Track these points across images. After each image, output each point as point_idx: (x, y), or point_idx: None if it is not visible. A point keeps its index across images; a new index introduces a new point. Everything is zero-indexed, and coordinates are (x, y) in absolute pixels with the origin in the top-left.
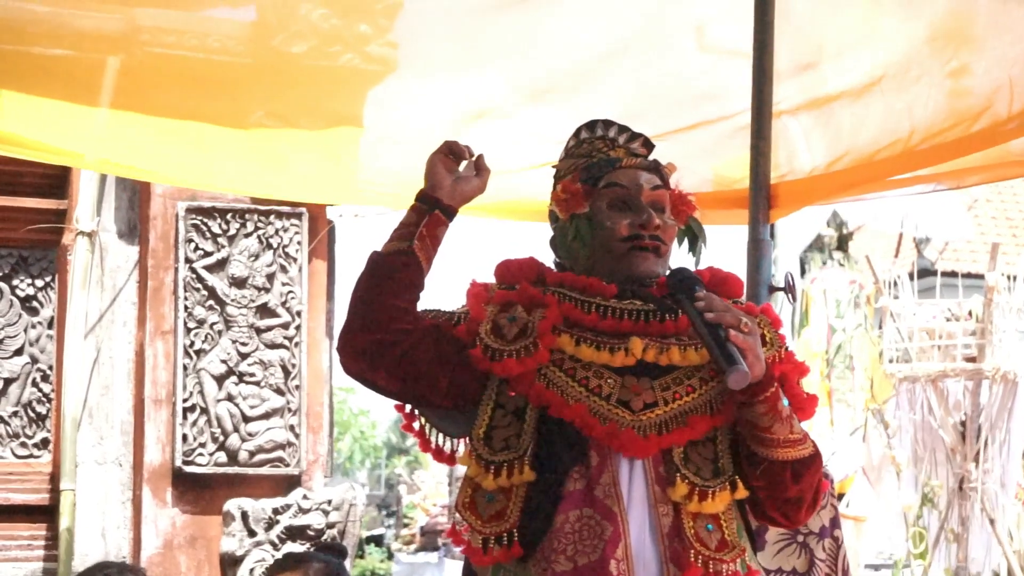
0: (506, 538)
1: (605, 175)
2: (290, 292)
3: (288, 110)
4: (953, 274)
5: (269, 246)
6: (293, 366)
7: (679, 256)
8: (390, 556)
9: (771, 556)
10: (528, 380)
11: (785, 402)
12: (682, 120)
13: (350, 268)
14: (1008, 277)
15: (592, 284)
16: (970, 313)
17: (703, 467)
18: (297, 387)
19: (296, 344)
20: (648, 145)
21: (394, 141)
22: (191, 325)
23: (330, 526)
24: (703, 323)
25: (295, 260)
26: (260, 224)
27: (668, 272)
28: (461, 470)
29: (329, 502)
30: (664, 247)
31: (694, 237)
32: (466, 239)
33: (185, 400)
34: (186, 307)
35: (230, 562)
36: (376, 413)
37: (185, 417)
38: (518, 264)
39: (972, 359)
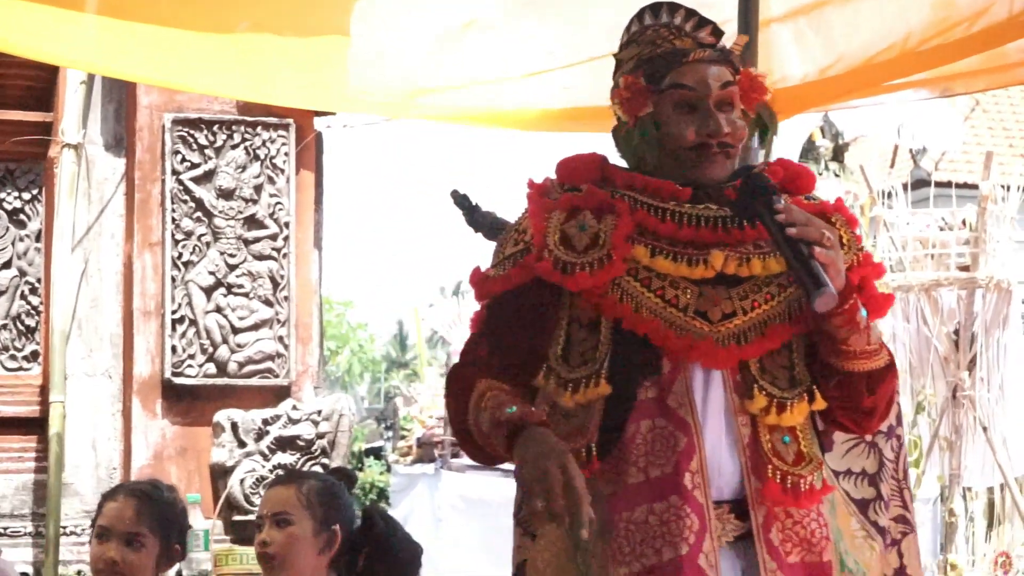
0: (584, 452)
1: (671, 72)
2: (278, 203)
3: (274, 21)
4: (948, 184)
5: (256, 157)
6: (282, 277)
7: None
8: (389, 469)
9: (840, 456)
10: (601, 291)
11: (863, 312)
12: None
13: (338, 178)
14: (1003, 187)
15: (665, 187)
16: (964, 222)
17: (779, 376)
18: (286, 298)
19: (284, 255)
20: (717, 33)
21: (382, 52)
22: (179, 237)
23: (320, 436)
24: (785, 240)
25: (282, 171)
26: (247, 135)
27: (742, 179)
28: None
29: (319, 412)
30: (734, 150)
31: (764, 127)
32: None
33: (174, 312)
34: (174, 219)
35: (220, 473)
36: (374, 326)
37: (174, 329)
38: (581, 161)
39: (966, 268)
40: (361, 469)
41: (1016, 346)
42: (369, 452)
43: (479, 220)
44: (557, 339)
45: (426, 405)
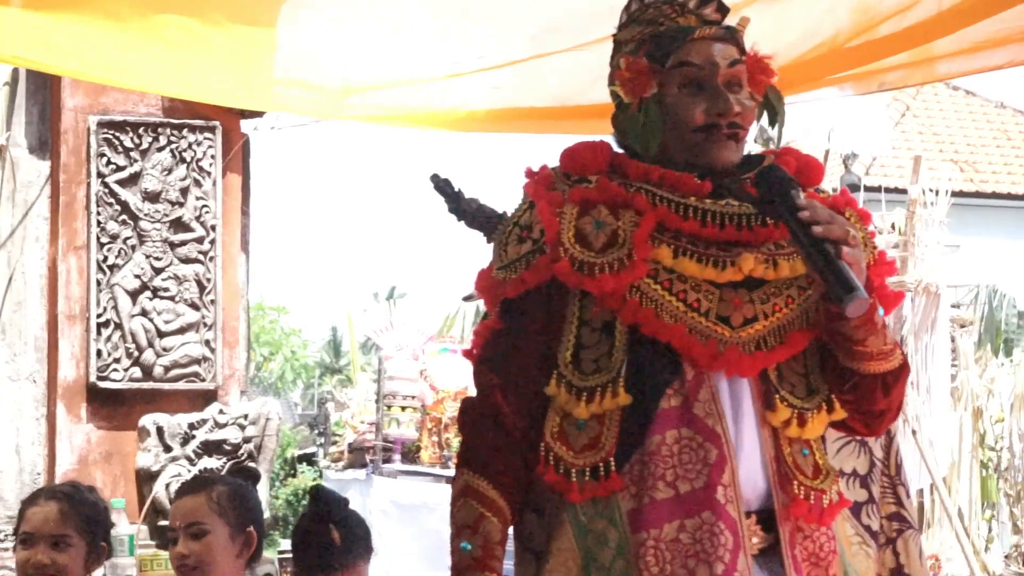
0: (603, 469)
1: (675, 50)
2: (204, 206)
3: (202, 14)
4: (878, 189)
5: (183, 160)
6: (208, 280)
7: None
8: (321, 475)
9: (831, 456)
10: (620, 295)
11: (880, 311)
12: (602, 30)
13: (265, 181)
14: (932, 191)
15: (684, 180)
16: (893, 226)
17: (797, 385)
18: (212, 302)
19: (211, 259)
20: (722, 9)
21: (310, 51)
22: (104, 240)
23: (247, 440)
24: (809, 240)
25: (209, 174)
26: (173, 138)
27: (759, 172)
28: (388, 387)
29: (245, 416)
30: (743, 132)
31: (773, 110)
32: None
33: (99, 316)
34: (99, 222)
35: (146, 477)
36: (308, 332)
37: (99, 333)
38: (589, 149)
39: (895, 272)
40: (294, 475)
41: (943, 349)
42: (302, 458)
43: (464, 208)
44: (567, 342)
45: (358, 411)
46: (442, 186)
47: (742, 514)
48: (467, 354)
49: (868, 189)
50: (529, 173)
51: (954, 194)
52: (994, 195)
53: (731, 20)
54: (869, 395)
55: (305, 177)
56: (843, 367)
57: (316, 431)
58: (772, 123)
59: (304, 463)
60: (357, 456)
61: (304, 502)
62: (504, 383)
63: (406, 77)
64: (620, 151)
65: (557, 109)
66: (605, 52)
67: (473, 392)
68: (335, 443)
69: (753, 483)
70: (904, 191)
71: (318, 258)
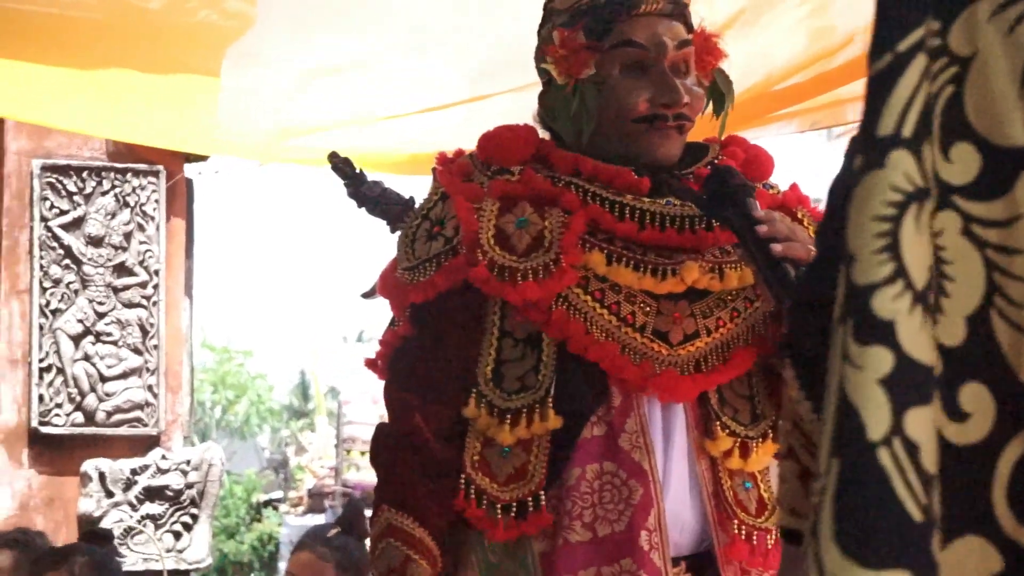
0: (531, 503)
1: (617, 27)
2: (148, 251)
3: (144, 67)
4: None
5: (126, 204)
6: (151, 325)
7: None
8: (282, 520)
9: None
10: (545, 305)
11: None
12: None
13: (209, 225)
14: None
15: (620, 176)
16: None
17: (741, 410)
18: (155, 347)
19: (154, 303)
20: None
21: (253, 94)
22: (47, 284)
23: (189, 486)
24: (766, 259)
25: (152, 218)
26: (117, 182)
27: (710, 173)
28: (348, 431)
29: (188, 462)
30: (690, 124)
31: (720, 95)
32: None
33: (41, 360)
34: (42, 266)
35: (88, 523)
36: (274, 377)
37: (41, 377)
38: (513, 136)
39: None
40: (259, 520)
41: None
42: (267, 503)
43: (365, 192)
44: (486, 356)
45: (317, 455)
46: (340, 166)
47: (668, 562)
48: (371, 365)
49: None
50: (443, 159)
51: None
52: None
53: None
54: None
55: (282, 219)
56: None
57: (281, 475)
58: (718, 112)
59: (269, 507)
60: (316, 501)
61: (269, 547)
62: (422, 403)
63: (344, 120)
64: (546, 136)
65: None
66: None
67: (386, 415)
68: (295, 488)
69: (682, 526)
70: None
71: (287, 301)
